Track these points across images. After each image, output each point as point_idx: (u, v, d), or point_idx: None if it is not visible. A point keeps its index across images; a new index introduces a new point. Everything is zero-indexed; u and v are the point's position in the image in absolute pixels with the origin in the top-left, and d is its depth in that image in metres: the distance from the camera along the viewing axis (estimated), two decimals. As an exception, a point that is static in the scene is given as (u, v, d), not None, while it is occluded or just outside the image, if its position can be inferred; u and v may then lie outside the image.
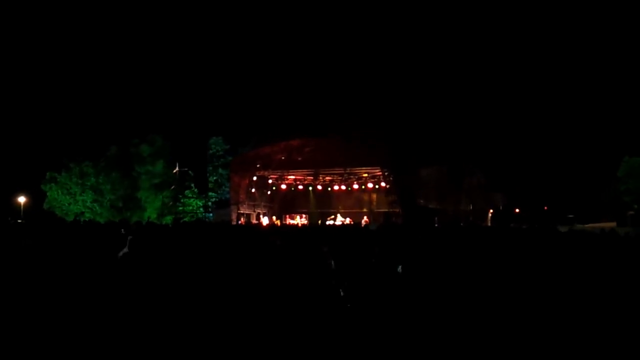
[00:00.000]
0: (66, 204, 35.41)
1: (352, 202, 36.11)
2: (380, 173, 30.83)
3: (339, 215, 32.54)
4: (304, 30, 52.15)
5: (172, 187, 37.44)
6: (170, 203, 37.07)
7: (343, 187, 34.65)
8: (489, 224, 32.01)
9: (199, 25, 55.74)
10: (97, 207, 35.94)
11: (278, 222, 29.91)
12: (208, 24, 56.87)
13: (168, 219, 32.39)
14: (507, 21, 47.60)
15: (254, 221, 29.75)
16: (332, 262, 5.89)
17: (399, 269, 6.94)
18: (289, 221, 32.19)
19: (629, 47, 44.94)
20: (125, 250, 6.84)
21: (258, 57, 49.93)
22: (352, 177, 33.01)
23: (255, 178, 31.95)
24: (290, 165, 28.91)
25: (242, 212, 31.65)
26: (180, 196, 37.04)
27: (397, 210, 31.44)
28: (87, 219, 29.16)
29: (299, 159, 27.66)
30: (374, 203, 35.08)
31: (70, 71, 48.58)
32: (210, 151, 39.03)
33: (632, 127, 39.62)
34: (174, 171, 38.06)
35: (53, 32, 49.93)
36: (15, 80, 43.55)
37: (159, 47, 49.76)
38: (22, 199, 40.25)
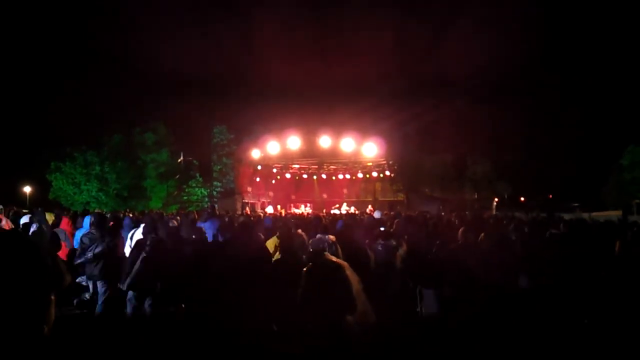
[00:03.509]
0: (71, 194, 35.54)
1: (356, 191, 36.08)
2: (385, 162, 30.75)
3: (344, 204, 32.55)
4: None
5: (177, 176, 37.51)
6: (175, 192, 37.15)
7: (347, 176, 34.61)
8: (494, 213, 31.95)
9: (195, 15, 55.51)
10: (103, 197, 36.05)
11: (283, 211, 29.91)
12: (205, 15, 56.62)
13: (173, 209, 32.48)
14: (507, 12, 47.24)
15: (259, 210, 29.79)
16: (339, 250, 5.88)
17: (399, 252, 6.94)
18: (294, 210, 32.19)
19: (631, 38, 44.69)
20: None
21: (262, 50, 49.73)
22: (356, 166, 32.97)
23: (259, 167, 31.93)
24: (295, 154, 28.84)
25: (246, 201, 31.68)
26: (185, 186, 37.09)
27: (402, 199, 31.41)
28: (93, 209, 29.25)
29: (304, 148, 27.59)
30: (379, 192, 35.07)
31: (72, 60, 48.49)
32: (214, 140, 39.00)
33: (636, 116, 39.50)
34: (179, 160, 38.11)
35: (55, 26, 49.83)
36: (18, 71, 43.53)
37: (158, 36, 49.58)
38: (27, 189, 40.42)
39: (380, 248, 7.20)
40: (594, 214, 23.54)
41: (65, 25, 50.61)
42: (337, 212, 29.18)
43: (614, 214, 17.85)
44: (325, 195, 32.72)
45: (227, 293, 5.50)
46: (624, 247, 4.91)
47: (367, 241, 7.49)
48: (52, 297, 3.65)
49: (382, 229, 8.04)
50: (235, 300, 5.41)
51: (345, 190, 35.95)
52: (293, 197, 36.05)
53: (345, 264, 4.82)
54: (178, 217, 11.30)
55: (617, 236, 5.25)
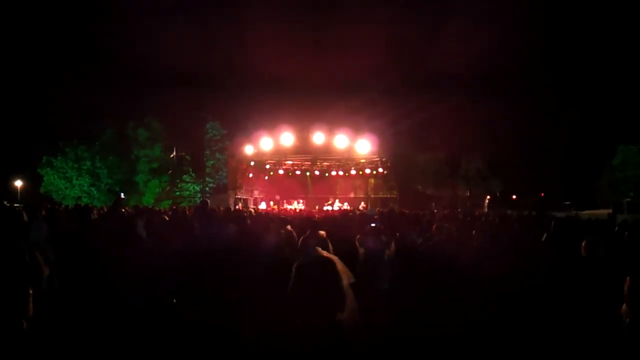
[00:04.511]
0: (63, 188, 35.34)
1: (349, 188, 36.10)
2: (378, 159, 30.75)
3: (336, 200, 32.56)
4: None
5: (170, 171, 37.40)
6: (168, 188, 37.04)
7: (341, 173, 34.60)
8: (486, 210, 32.10)
9: (189, 11, 55.25)
10: (95, 192, 35.88)
11: (276, 207, 29.89)
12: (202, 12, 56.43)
13: (166, 204, 32.40)
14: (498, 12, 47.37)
15: (251, 206, 29.73)
16: (330, 246, 5.89)
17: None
18: (286, 206, 32.16)
19: (624, 40, 45.02)
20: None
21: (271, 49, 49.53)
22: (349, 162, 32.94)
23: (252, 163, 31.85)
24: (288, 150, 28.76)
25: (239, 197, 31.60)
26: (178, 181, 37.00)
27: (395, 196, 31.44)
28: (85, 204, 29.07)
29: (297, 144, 27.52)
30: (372, 189, 35.07)
31: (65, 55, 48.15)
32: (207, 135, 38.94)
33: (626, 116, 39.88)
34: (172, 155, 37.98)
35: (48, 21, 49.46)
36: (10, 66, 43.16)
37: (152, 32, 49.31)
38: (19, 183, 40.17)
39: (370, 244, 7.19)
40: (585, 212, 23.67)
41: (58, 20, 50.23)
42: (329, 208, 29.19)
43: (605, 213, 17.95)
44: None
45: (224, 291, 5.48)
46: (589, 247, 4.91)
47: (358, 237, 7.48)
48: (30, 292, 3.61)
49: (372, 225, 8.02)
50: (233, 299, 5.39)
51: (338, 187, 35.97)
52: (286, 193, 35.99)
53: (336, 258, 4.82)
54: (169, 213, 11.26)
55: (585, 235, 5.22)
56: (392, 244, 6.87)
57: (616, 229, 8.20)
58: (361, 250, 6.87)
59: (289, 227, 7.41)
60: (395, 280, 6.33)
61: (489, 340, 5.29)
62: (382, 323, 5.69)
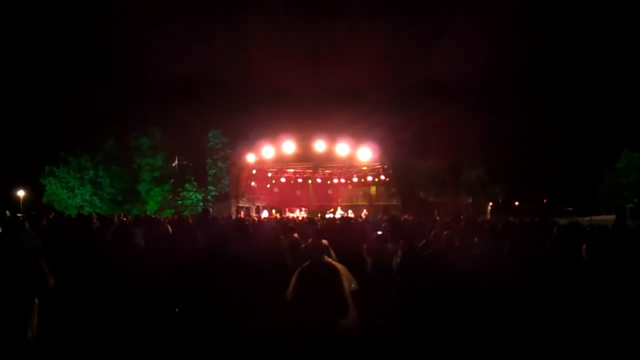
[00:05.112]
0: (65, 198, 35.34)
1: (351, 196, 36.05)
2: (380, 166, 30.74)
3: (338, 208, 32.51)
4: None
5: (172, 180, 37.39)
6: (170, 196, 37.02)
7: (342, 180, 34.57)
8: (489, 217, 32.01)
9: (191, 21, 55.50)
10: (97, 201, 35.87)
11: (277, 216, 29.85)
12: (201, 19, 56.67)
13: (168, 213, 32.35)
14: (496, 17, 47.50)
15: (253, 214, 29.71)
16: (333, 253, 5.87)
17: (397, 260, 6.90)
18: (289, 214, 32.13)
19: (627, 44, 45.07)
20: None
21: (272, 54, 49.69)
22: (351, 170, 32.94)
23: (254, 171, 31.87)
24: (290, 158, 28.78)
25: (241, 205, 31.62)
26: (180, 189, 36.98)
27: (397, 203, 31.39)
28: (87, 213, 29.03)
29: (299, 152, 27.54)
30: (374, 196, 35.03)
31: (67, 64, 48.39)
32: (209, 144, 38.96)
33: (630, 121, 39.83)
34: (174, 164, 37.99)
35: (50, 30, 49.74)
36: (13, 75, 43.36)
37: (154, 41, 49.50)
38: (21, 193, 40.23)
39: (377, 252, 7.18)
40: (592, 218, 23.57)
41: (60, 29, 50.48)
42: (331, 216, 29.15)
43: (611, 219, 17.86)
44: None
45: (222, 297, 5.46)
46: (589, 250, 4.89)
47: (365, 245, 7.47)
48: (36, 301, 3.59)
49: (379, 232, 8.01)
50: (231, 305, 5.37)
51: (340, 195, 35.93)
52: (287, 201, 35.97)
53: (340, 265, 4.80)
54: (172, 221, 11.26)
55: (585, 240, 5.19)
56: (399, 252, 6.87)
57: (621, 233, 8.17)
58: (369, 260, 6.86)
59: (295, 234, 7.40)
60: (401, 287, 6.32)
61: (487, 346, 5.27)
62: (385, 329, 5.67)
